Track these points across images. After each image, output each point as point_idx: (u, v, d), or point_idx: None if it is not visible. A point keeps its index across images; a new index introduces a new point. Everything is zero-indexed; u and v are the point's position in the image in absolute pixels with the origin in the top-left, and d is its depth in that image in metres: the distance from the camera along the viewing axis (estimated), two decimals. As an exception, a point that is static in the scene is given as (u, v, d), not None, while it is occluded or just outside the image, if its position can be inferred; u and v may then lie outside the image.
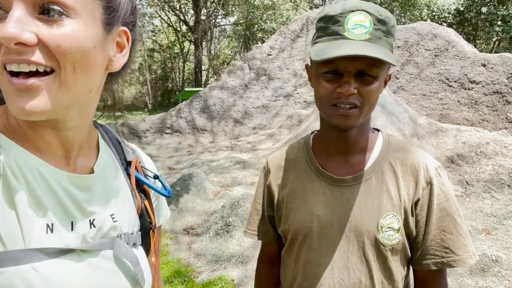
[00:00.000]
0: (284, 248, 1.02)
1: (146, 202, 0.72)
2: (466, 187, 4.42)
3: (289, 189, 0.98)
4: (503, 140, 4.81)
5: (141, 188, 0.72)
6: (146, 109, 22.50)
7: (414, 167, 0.90)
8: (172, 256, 3.63)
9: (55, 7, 0.47)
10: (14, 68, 0.47)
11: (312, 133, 1.05)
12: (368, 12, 0.79)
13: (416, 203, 0.89)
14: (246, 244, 3.57)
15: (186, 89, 20.03)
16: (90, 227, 0.58)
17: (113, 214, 0.63)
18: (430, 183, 0.89)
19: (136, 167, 0.71)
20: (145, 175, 0.75)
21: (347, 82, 0.80)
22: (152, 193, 0.76)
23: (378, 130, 0.99)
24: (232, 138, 8.39)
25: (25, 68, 0.47)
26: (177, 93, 23.79)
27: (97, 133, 0.69)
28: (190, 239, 3.93)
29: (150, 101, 23.73)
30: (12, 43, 0.45)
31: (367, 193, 0.90)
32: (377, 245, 0.88)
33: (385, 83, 0.89)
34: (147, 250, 0.71)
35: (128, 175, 0.71)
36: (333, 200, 0.91)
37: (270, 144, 7.07)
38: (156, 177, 0.77)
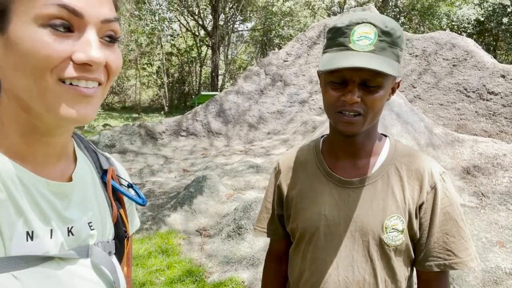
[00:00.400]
0: (292, 246, 1.07)
1: (122, 210, 0.73)
2: (481, 199, 4.36)
3: (299, 189, 1.03)
4: (521, 152, 4.72)
5: (116, 196, 0.73)
6: (162, 112, 22.81)
7: (419, 172, 0.94)
8: (184, 256, 3.69)
9: (114, 34, 0.56)
10: (82, 84, 0.52)
11: (322, 136, 1.09)
12: (374, 24, 0.83)
13: (420, 207, 0.93)
14: (257, 247, 3.61)
15: (202, 92, 20.27)
16: (68, 235, 0.58)
17: (90, 222, 0.63)
18: (434, 188, 0.92)
19: (112, 176, 0.72)
20: (120, 184, 0.76)
21: (350, 91, 0.85)
22: (125, 201, 0.77)
23: (386, 136, 1.03)
24: (246, 143, 8.45)
25: (90, 85, 0.53)
26: (193, 96, 24.07)
27: (73, 141, 0.70)
28: (202, 240, 3.99)
29: (167, 104, 24.06)
30: (101, 66, 0.52)
31: (373, 195, 0.94)
32: (381, 245, 0.92)
33: (393, 90, 0.93)
34: (120, 259, 0.72)
35: (104, 183, 0.71)
36: (340, 201, 0.96)
37: (284, 149, 7.10)
38: (130, 185, 0.78)
